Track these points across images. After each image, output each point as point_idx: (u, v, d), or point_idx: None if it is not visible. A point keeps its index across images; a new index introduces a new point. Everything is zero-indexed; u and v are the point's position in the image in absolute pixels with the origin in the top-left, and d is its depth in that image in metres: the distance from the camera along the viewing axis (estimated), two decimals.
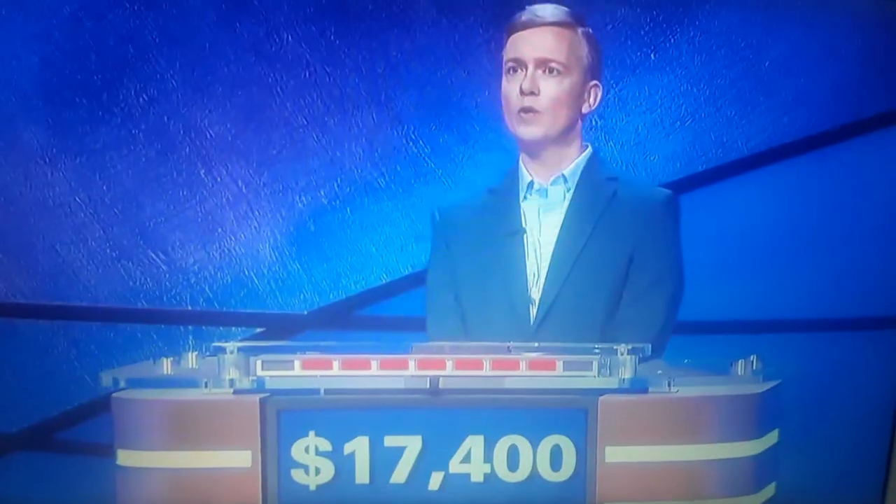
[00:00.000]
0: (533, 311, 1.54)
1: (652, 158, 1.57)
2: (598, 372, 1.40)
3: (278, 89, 1.52)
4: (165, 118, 1.52)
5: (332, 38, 1.51)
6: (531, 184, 1.55)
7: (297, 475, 1.38)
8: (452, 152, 1.55)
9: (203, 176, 1.54)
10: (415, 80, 1.52)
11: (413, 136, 1.54)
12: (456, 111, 1.53)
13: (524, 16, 1.49)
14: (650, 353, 1.44)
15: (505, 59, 1.50)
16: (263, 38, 1.50)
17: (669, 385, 1.40)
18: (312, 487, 1.38)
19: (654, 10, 1.53)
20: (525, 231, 1.55)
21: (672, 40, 1.54)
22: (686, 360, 1.51)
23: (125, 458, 1.39)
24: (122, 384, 1.40)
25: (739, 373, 1.44)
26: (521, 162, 1.55)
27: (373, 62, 1.52)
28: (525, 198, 1.55)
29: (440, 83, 1.52)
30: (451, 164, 1.55)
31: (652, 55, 1.55)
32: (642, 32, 1.54)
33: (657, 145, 1.57)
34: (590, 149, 1.56)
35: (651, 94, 1.55)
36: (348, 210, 1.56)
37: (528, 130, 1.51)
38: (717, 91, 1.57)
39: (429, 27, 1.51)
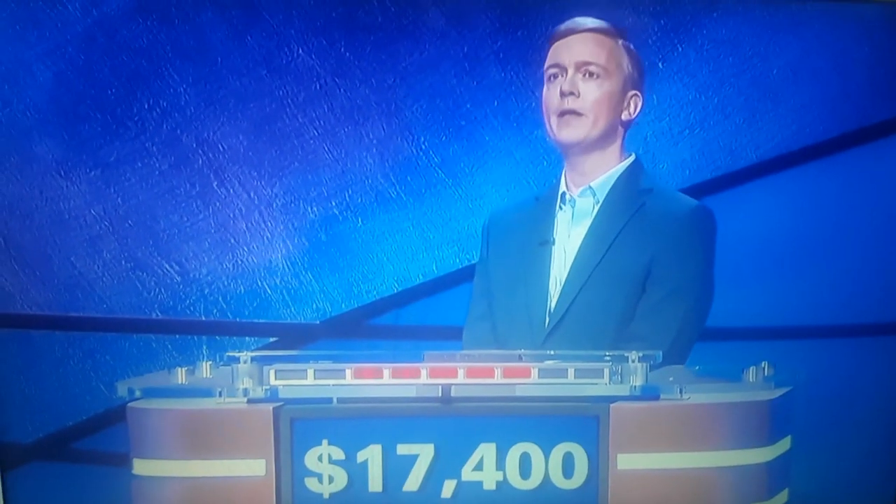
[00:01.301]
0: (547, 319, 1.55)
1: (661, 167, 1.57)
2: (610, 379, 1.41)
3: (289, 101, 1.54)
4: (178, 131, 1.54)
5: (343, 50, 1.52)
6: (564, 194, 1.55)
7: (311, 483, 1.39)
8: (462, 162, 1.56)
9: (216, 188, 1.55)
10: (425, 91, 1.53)
11: (423, 147, 1.55)
12: (466, 121, 1.54)
13: (565, 25, 1.49)
14: (661, 359, 1.44)
15: (546, 66, 1.51)
16: (274, 51, 1.52)
17: (681, 392, 1.40)
18: (326, 496, 1.39)
19: (661, 19, 1.54)
20: (554, 241, 1.55)
21: (680, 49, 1.55)
22: (697, 367, 1.51)
23: (140, 467, 1.40)
24: (138, 394, 1.42)
25: (751, 379, 1.45)
26: (564, 171, 1.56)
27: (383, 74, 1.53)
28: (560, 207, 1.55)
29: (450, 93, 1.54)
30: (462, 174, 1.56)
31: (660, 64, 1.55)
32: (650, 41, 1.55)
33: (665, 153, 1.57)
34: (631, 159, 1.55)
35: (659, 103, 1.56)
36: (359, 220, 1.57)
37: (567, 133, 1.51)
38: (725, 99, 1.57)
39: (438, 38, 1.52)
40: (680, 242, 1.54)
